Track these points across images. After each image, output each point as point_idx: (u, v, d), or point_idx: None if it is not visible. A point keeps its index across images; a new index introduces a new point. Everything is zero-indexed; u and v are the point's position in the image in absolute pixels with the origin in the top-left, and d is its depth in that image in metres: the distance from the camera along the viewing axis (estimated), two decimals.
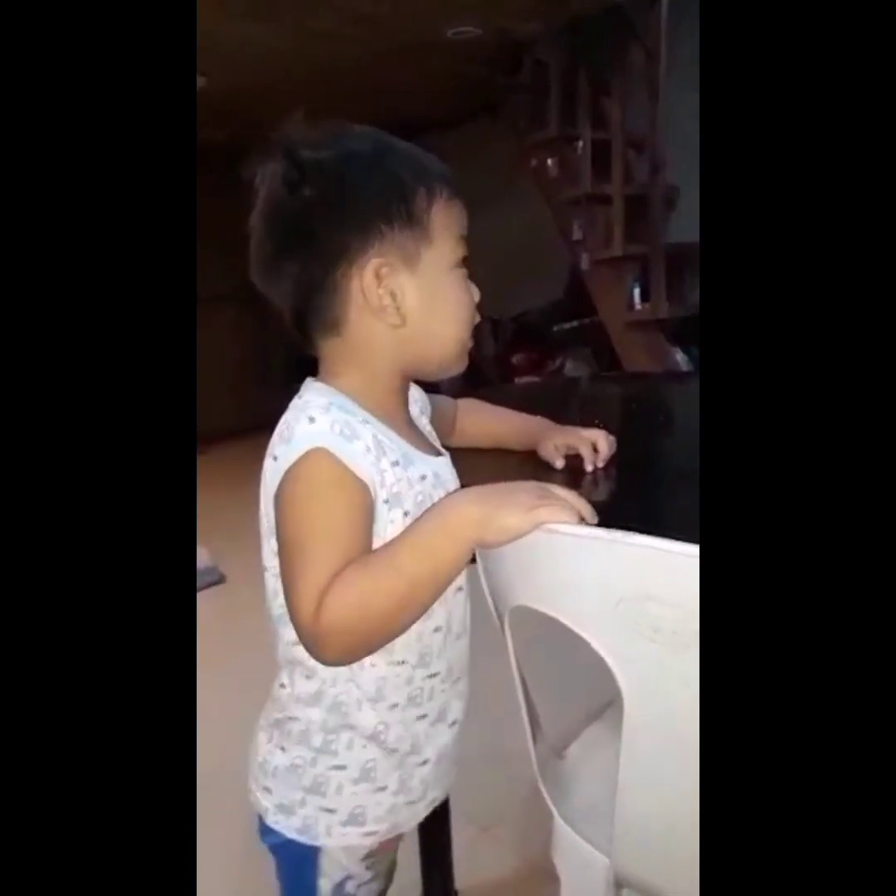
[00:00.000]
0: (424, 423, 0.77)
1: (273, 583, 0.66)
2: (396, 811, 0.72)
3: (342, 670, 0.66)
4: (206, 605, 2.65)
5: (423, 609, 0.58)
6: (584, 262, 3.35)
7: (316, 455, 0.59)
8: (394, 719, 0.68)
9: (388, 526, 0.62)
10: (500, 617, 0.74)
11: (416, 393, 0.80)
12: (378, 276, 0.63)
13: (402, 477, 0.63)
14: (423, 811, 0.75)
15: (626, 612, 0.49)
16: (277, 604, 0.67)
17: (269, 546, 0.64)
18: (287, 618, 0.66)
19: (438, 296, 0.66)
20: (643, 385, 1.82)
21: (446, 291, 0.67)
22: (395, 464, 0.63)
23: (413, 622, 0.59)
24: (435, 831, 1.26)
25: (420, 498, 0.65)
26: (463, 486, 0.74)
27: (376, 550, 0.60)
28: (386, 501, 0.61)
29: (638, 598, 0.52)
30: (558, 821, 0.80)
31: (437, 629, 0.68)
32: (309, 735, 0.69)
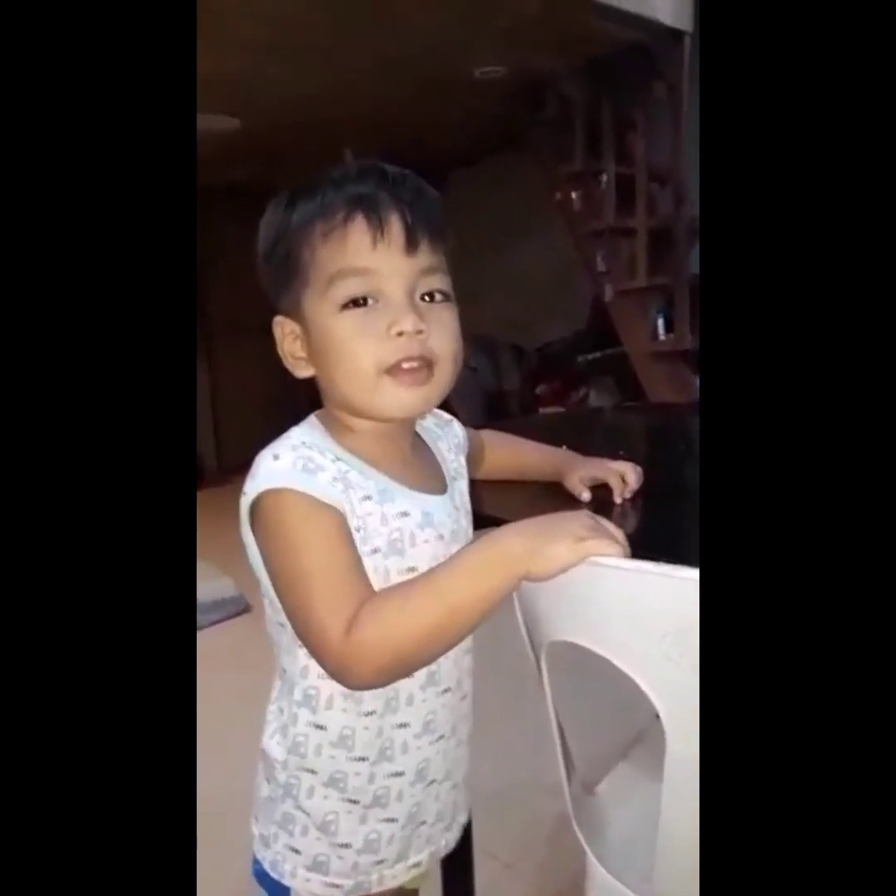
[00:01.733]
0: (452, 459, 0.75)
1: (268, 609, 0.67)
2: (362, 870, 0.69)
3: (305, 713, 0.66)
4: (232, 634, 2.66)
5: (460, 636, 0.57)
6: (608, 293, 3.37)
7: (279, 494, 0.58)
8: (353, 769, 0.66)
9: (363, 558, 0.61)
10: (536, 652, 0.73)
11: (457, 428, 0.80)
12: (283, 330, 0.66)
13: (373, 512, 0.62)
14: (402, 874, 0.71)
15: (671, 647, 0.48)
16: (272, 630, 0.68)
17: (258, 575, 0.65)
18: (280, 645, 0.67)
19: (322, 342, 0.63)
20: (667, 415, 1.82)
21: (328, 336, 0.62)
22: (367, 498, 0.62)
23: (449, 648, 0.59)
24: (457, 867, 1.24)
25: (395, 536, 0.63)
26: (486, 518, 0.75)
27: (417, 576, 0.59)
28: (356, 530, 0.61)
29: (683, 632, 0.51)
30: (591, 860, 0.78)
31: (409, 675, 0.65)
32: (276, 771, 0.69)
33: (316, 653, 0.58)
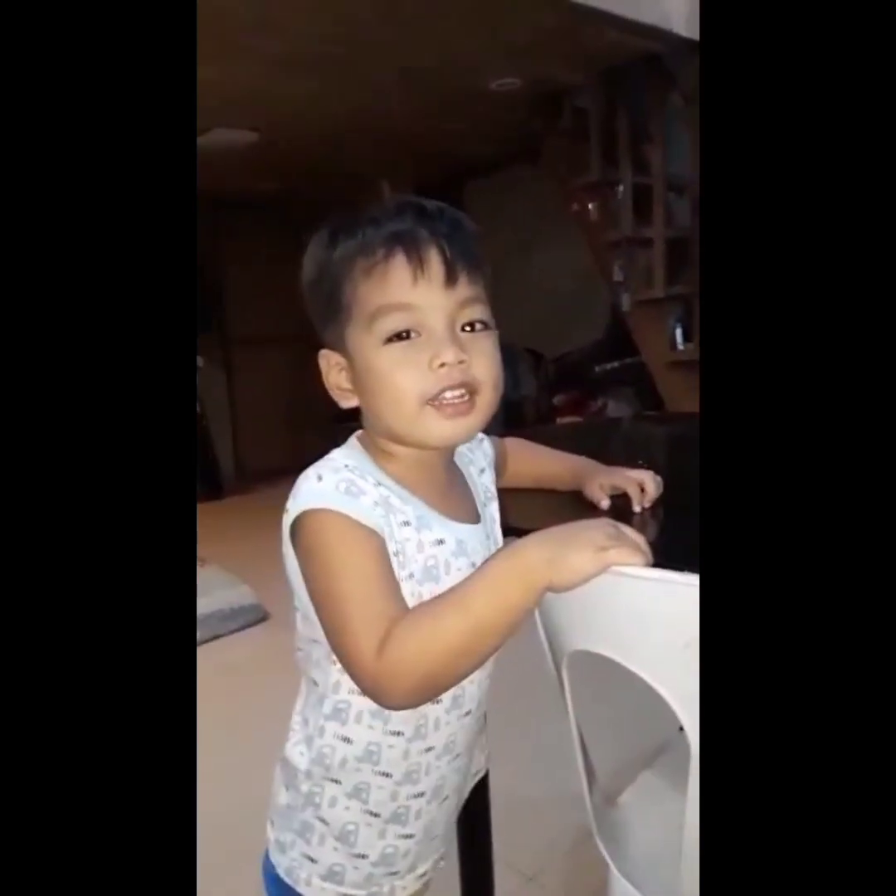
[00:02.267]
0: (483, 483, 0.76)
1: (301, 623, 0.67)
2: (375, 881, 0.70)
3: (333, 726, 0.67)
4: (250, 642, 2.67)
5: (489, 651, 0.57)
6: (626, 303, 3.37)
7: (321, 515, 0.59)
8: (377, 783, 0.67)
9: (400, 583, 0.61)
10: (556, 662, 0.73)
11: (487, 446, 0.80)
12: (329, 363, 0.67)
13: (411, 538, 0.63)
14: (412, 884, 0.73)
15: (694, 657, 0.48)
16: (303, 643, 0.69)
17: (295, 589, 0.65)
18: (310, 658, 0.68)
19: (367, 375, 0.64)
20: (686, 425, 1.81)
21: (372, 369, 0.63)
22: (405, 524, 0.63)
23: (479, 664, 0.58)
24: (478, 881, 1.23)
25: (431, 563, 0.64)
26: (510, 528, 0.75)
27: (444, 594, 0.59)
28: (394, 554, 0.62)
29: None
30: (614, 873, 0.78)
31: (437, 700, 0.66)
32: (298, 780, 0.70)
33: (352, 673, 0.59)
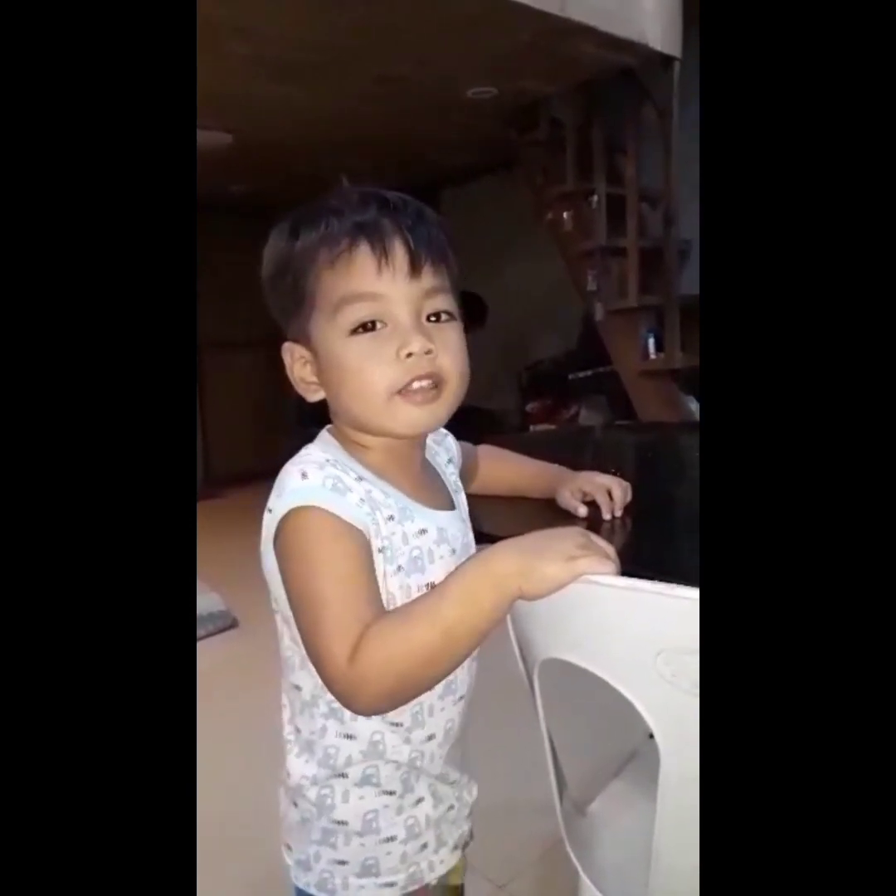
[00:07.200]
0: (450, 472, 0.77)
1: (281, 625, 0.67)
2: (411, 860, 0.70)
3: (334, 725, 0.66)
4: (219, 649, 2.64)
5: (459, 658, 0.57)
6: (599, 313, 3.39)
7: (308, 512, 0.59)
8: (385, 771, 0.68)
9: (384, 578, 0.62)
10: (528, 670, 0.73)
11: (451, 442, 0.81)
12: (293, 356, 0.67)
13: (396, 531, 0.63)
14: (449, 858, 0.73)
15: (665, 665, 0.49)
16: (284, 646, 0.68)
17: (274, 592, 0.65)
18: (292, 661, 0.67)
19: (332, 366, 0.64)
20: (657, 434, 1.83)
21: (338, 361, 0.63)
22: (390, 519, 0.63)
23: (450, 671, 0.58)
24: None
25: (416, 553, 0.64)
26: (481, 534, 0.75)
27: (415, 599, 0.60)
28: (380, 550, 0.62)
29: (678, 651, 0.51)
30: (584, 881, 0.78)
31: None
32: (304, 790, 0.69)
33: (323, 676, 0.58)
